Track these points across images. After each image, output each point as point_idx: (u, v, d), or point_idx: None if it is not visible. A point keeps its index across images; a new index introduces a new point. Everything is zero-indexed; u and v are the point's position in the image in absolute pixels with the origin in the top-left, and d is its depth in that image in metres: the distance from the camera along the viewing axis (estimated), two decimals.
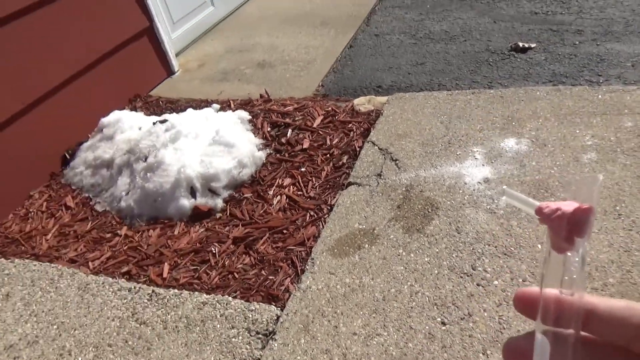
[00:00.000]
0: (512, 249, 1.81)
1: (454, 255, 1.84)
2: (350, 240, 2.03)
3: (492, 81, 2.97)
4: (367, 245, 1.98)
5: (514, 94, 2.61)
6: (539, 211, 0.35)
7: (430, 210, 2.06)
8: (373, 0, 4.59)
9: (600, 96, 2.43)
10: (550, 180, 2.03)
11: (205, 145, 2.71)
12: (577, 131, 2.24)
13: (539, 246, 1.79)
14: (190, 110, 3.09)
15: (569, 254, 0.33)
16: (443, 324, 1.63)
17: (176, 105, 3.46)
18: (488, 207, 2.00)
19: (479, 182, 2.12)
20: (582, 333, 0.32)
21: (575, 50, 3.10)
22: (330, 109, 3.02)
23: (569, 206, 0.33)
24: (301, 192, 2.43)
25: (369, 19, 4.28)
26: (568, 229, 0.33)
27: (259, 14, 4.97)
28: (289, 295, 1.89)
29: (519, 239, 1.84)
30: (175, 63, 4.08)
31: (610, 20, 3.37)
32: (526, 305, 0.34)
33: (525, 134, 2.31)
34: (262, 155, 2.71)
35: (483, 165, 2.20)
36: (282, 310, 1.83)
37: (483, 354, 1.52)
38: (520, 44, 3.22)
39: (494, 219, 1.94)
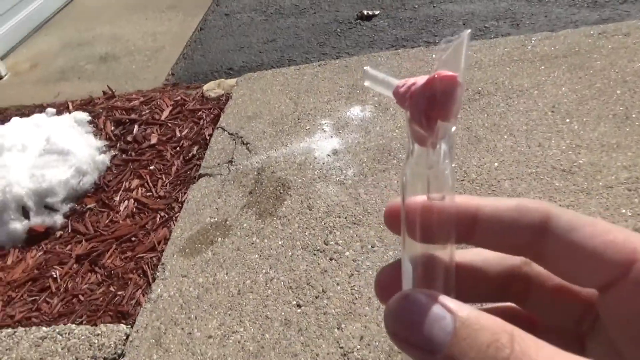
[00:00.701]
0: (361, 217, 1.81)
1: (307, 234, 1.80)
2: (202, 236, 1.90)
3: (340, 51, 2.97)
4: (220, 239, 1.87)
5: (357, 62, 2.62)
6: (395, 92, 0.26)
7: (282, 191, 1.99)
8: None
9: (434, 55, 2.52)
10: (392, 143, 2.06)
11: (36, 157, 2.39)
12: None
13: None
14: (15, 119, 2.70)
15: (431, 147, 0.24)
16: (298, 306, 1.59)
17: (3, 116, 3.03)
18: (337, 179, 1.98)
19: (328, 155, 2.10)
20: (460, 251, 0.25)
21: (415, 13, 3.20)
22: (179, 98, 2.82)
23: (423, 79, 0.24)
24: (150, 193, 2.24)
25: None
26: (425, 109, 0.23)
27: (98, 1, 4.52)
28: (140, 309, 1.73)
29: (366, 206, 1.84)
30: (1, 67, 3.57)
31: None
32: (396, 220, 0.26)
33: (369, 101, 2.33)
34: (104, 158, 2.45)
35: (331, 137, 2.18)
36: (132, 327, 1.67)
37: (338, 328, 1.50)
38: (365, 12, 3.26)
39: (343, 190, 1.93)
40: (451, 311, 0.20)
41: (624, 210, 1.62)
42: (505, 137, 1.98)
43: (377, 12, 3.26)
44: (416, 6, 3.28)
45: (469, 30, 0.23)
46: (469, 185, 1.82)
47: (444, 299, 0.21)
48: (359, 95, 2.37)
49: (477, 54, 2.48)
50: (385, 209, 0.28)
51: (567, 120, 1.99)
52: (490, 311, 0.21)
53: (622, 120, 1.94)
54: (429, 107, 0.23)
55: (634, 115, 1.94)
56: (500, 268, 0.26)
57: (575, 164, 1.81)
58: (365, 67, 0.27)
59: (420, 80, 0.24)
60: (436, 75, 0.23)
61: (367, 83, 0.27)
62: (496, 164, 1.88)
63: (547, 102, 2.10)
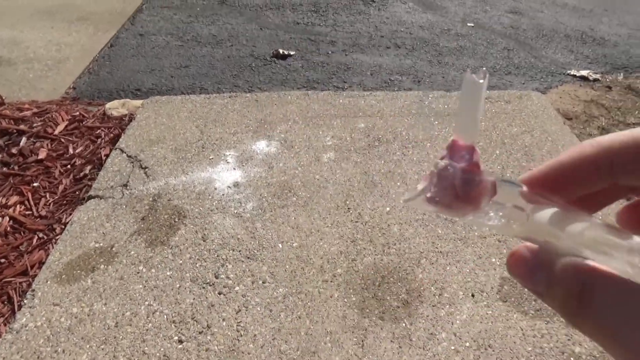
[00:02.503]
0: (255, 251, 1.81)
1: (197, 265, 1.75)
2: (83, 262, 1.77)
3: (253, 85, 3.01)
4: (102, 266, 1.75)
5: (268, 98, 2.67)
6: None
7: (177, 220, 1.93)
8: None
9: (341, 100, 2.65)
10: (294, 181, 2.11)
11: None
12: (320, 132, 2.40)
13: (280, 245, 1.83)
14: None
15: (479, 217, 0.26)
16: (180, 342, 1.52)
17: None
18: (235, 211, 1.97)
19: (229, 187, 2.08)
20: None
21: (328, 59, 3.36)
22: (78, 113, 2.66)
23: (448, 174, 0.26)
24: (30, 212, 2.06)
25: (135, 17, 3.98)
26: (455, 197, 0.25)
27: (2, 2, 4.19)
28: (0, 340, 1.55)
29: (262, 241, 1.84)
30: None
31: (358, 33, 3.76)
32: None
33: (275, 137, 2.37)
34: None
35: (234, 169, 2.18)
36: None
37: None
38: (281, 51, 3.35)
39: (240, 223, 1.92)
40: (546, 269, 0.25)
41: (493, 260, 1.78)
42: (399, 184, 2.12)
43: (292, 53, 3.38)
44: (330, 52, 3.44)
45: (485, 75, 0.25)
46: (362, 227, 1.90)
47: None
48: (266, 130, 2.41)
49: (380, 103, 2.64)
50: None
51: None
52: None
53: None
54: (458, 195, 0.26)
55: (508, 174, 2.18)
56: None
57: None
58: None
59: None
60: (463, 169, 0.26)
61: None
62: (388, 209, 1.99)
63: (438, 154, 2.28)
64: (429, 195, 0.26)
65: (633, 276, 0.24)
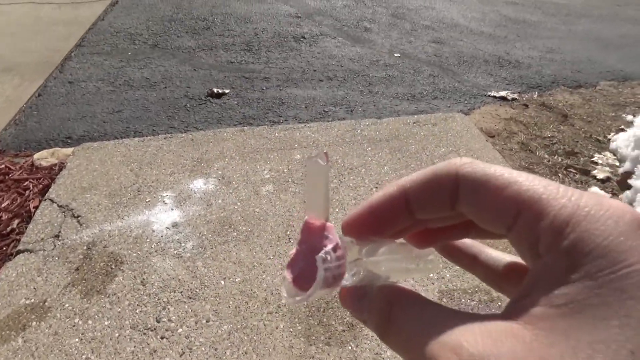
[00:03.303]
0: (197, 290, 1.78)
1: (137, 311, 1.70)
2: (12, 321, 1.67)
3: (189, 125, 3.02)
4: (35, 323, 1.67)
5: (204, 136, 2.69)
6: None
7: (113, 267, 1.88)
8: (69, 46, 4.22)
9: (277, 134, 2.71)
10: (233, 216, 2.11)
11: None
12: (258, 166, 2.43)
13: (222, 282, 1.81)
14: None
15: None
16: None
17: None
18: (175, 252, 1.94)
19: (167, 228, 2.06)
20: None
21: (263, 94, 3.43)
22: (3, 166, 2.56)
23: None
24: None
25: (64, 65, 3.90)
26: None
27: None
28: None
29: (203, 279, 1.82)
30: None
31: (291, 69, 3.87)
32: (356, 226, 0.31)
33: (212, 174, 2.38)
34: None
35: (172, 209, 2.16)
36: None
37: None
38: (216, 90, 3.39)
39: (181, 263, 1.89)
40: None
41: (431, 274, 1.85)
42: (337, 210, 2.17)
43: (227, 91, 3.42)
44: (264, 88, 3.52)
45: (321, 160, 0.27)
46: None
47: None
48: (203, 168, 2.41)
49: (315, 134, 2.72)
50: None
51: None
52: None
53: None
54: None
55: None
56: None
57: None
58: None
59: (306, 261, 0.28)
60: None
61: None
62: None
63: (372, 179, 2.37)
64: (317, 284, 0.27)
65: (417, 271, 0.31)
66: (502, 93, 3.55)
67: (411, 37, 4.62)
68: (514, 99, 3.49)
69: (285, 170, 2.40)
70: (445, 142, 2.67)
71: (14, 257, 1.95)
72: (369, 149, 2.60)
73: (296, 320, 1.68)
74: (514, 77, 3.87)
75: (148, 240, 2.00)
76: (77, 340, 1.61)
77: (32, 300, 1.75)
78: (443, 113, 3.08)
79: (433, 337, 0.22)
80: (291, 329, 1.65)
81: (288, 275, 0.28)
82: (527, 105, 3.40)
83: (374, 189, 2.29)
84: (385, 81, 3.69)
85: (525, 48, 4.51)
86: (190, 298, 1.75)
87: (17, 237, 2.07)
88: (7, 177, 2.47)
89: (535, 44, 4.63)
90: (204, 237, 2.01)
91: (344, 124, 2.85)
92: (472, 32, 4.87)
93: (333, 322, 1.68)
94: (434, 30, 4.82)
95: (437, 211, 0.28)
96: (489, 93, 3.56)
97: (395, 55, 4.20)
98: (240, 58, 4.04)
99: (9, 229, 2.13)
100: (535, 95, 3.58)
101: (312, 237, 0.28)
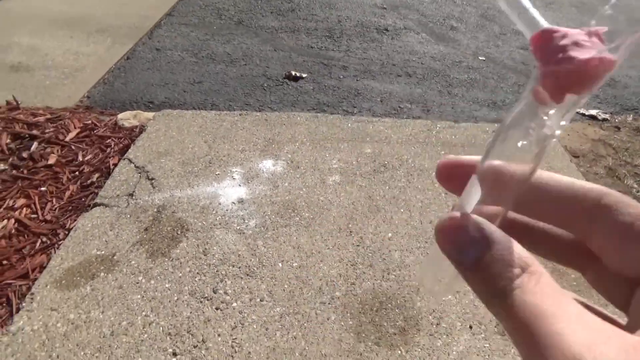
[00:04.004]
0: (255, 268, 1.81)
1: (197, 279, 1.76)
2: (83, 269, 1.78)
3: (264, 105, 3.05)
4: (103, 274, 1.76)
5: (277, 117, 2.71)
6: (535, 39, 0.22)
7: (179, 233, 1.94)
8: (160, 14, 4.39)
9: (350, 124, 2.68)
10: (298, 201, 2.12)
11: None
12: (327, 155, 2.42)
13: (280, 264, 1.83)
14: None
15: (549, 109, 0.22)
16: (174, 354, 1.52)
17: None
18: (238, 227, 1.98)
19: (233, 202, 2.10)
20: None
21: (339, 83, 3.41)
22: (90, 122, 2.71)
23: (582, 50, 0.21)
24: (36, 215, 2.08)
25: (153, 32, 4.07)
26: (567, 87, 0.21)
27: (22, 11, 4.31)
28: None
29: (262, 258, 1.85)
30: None
31: (370, 60, 3.82)
32: (451, 176, 0.27)
33: (282, 156, 2.39)
34: None
35: (240, 185, 2.19)
36: None
37: None
38: (294, 73, 3.41)
39: (242, 239, 1.92)
40: (485, 237, 0.22)
41: None
42: (402, 210, 2.12)
43: (304, 75, 3.43)
44: (341, 77, 3.50)
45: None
46: (363, 251, 1.90)
47: (484, 224, 0.23)
48: (273, 150, 2.44)
49: (388, 130, 2.67)
50: (440, 163, 0.28)
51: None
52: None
53: None
54: (573, 85, 0.21)
55: None
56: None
57: None
58: None
59: (578, 39, 0.21)
60: (598, 58, 0.21)
61: (503, 4, 0.24)
62: (390, 235, 1.99)
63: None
64: (552, 45, 0.22)
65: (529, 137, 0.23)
66: (593, 112, 3.31)
67: (499, 41, 4.41)
68: (604, 120, 3.25)
69: (354, 163, 2.37)
70: None
71: (91, 208, 2.06)
72: (443, 152, 2.52)
73: (348, 315, 1.66)
74: (607, 96, 3.60)
75: (214, 212, 2.05)
76: (139, 297, 1.68)
77: (103, 252, 1.84)
78: None
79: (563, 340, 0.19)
80: (342, 323, 1.64)
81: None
82: (619, 128, 3.16)
83: (444, 195, 2.21)
84: (466, 84, 3.56)
85: (623, 66, 4.17)
86: (247, 275, 1.78)
87: (96, 191, 2.19)
88: (92, 133, 2.61)
89: (636, 63, 4.28)
90: (267, 217, 2.04)
91: (419, 123, 2.78)
92: None
93: (385, 324, 1.64)
94: (524, 37, 4.57)
95: (570, 221, 0.25)
96: (578, 110, 3.33)
97: (480, 58, 4.02)
98: (320, 44, 4.03)
99: (89, 181, 2.26)
100: (630, 119, 3.32)
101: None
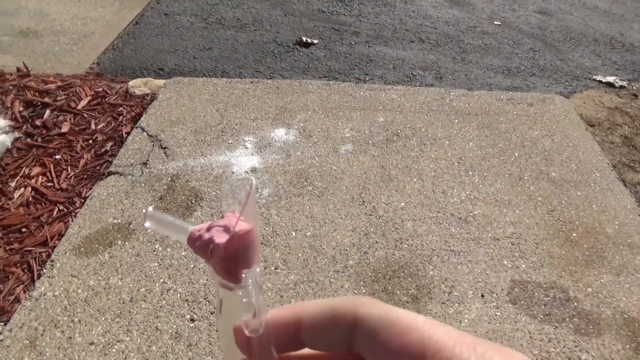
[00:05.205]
0: (269, 237, 1.83)
1: None
2: (101, 236, 1.81)
3: (275, 72, 3.02)
4: (120, 242, 1.79)
5: (289, 85, 2.68)
6: (191, 241, 0.26)
7: (194, 202, 1.96)
8: None
9: (362, 93, 2.65)
10: (310, 170, 2.12)
11: None
12: (340, 124, 2.40)
13: (294, 233, 1.85)
14: None
15: (238, 291, 0.26)
16: (192, 320, 1.56)
17: None
18: None
19: (246, 172, 2.11)
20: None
21: (351, 49, 3.35)
22: (101, 89, 2.70)
23: (222, 235, 0.25)
24: (52, 184, 2.11)
25: None
26: (230, 267, 0.25)
27: None
28: (19, 307, 1.60)
29: (276, 227, 1.87)
30: None
31: (382, 25, 3.73)
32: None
33: (294, 125, 2.38)
34: (5, 139, 2.27)
35: (252, 154, 2.20)
36: (5, 325, 1.54)
37: None
38: (304, 39, 3.35)
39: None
40: None
41: (505, 262, 1.79)
42: (415, 180, 2.12)
43: (315, 41, 3.37)
44: (353, 43, 3.43)
45: (254, 181, 0.27)
46: (376, 221, 1.91)
47: None
48: (285, 118, 2.42)
49: (401, 98, 2.64)
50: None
51: (470, 173, 2.17)
52: None
53: (515, 180, 2.15)
54: (233, 263, 0.25)
55: (525, 177, 2.17)
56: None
57: (471, 214, 1.97)
58: (146, 209, 0.27)
59: (216, 233, 0.25)
60: (234, 234, 0.25)
61: (148, 224, 0.27)
62: (402, 204, 1.99)
63: (456, 153, 2.28)
64: (199, 243, 0.26)
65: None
66: (610, 79, 3.24)
67: (515, 5, 4.28)
68: (622, 87, 3.18)
69: (366, 132, 2.36)
70: (539, 125, 2.50)
71: (106, 177, 2.08)
72: (456, 121, 2.49)
73: (361, 283, 1.69)
74: (626, 62, 3.50)
75: (227, 181, 2.06)
76: (156, 264, 1.72)
77: (119, 221, 1.87)
78: (540, 93, 2.87)
79: None
80: (355, 291, 1.67)
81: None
82: (636, 96, 3.09)
83: (457, 164, 2.20)
84: (480, 50, 3.48)
85: None
86: (261, 243, 1.81)
87: (110, 159, 2.21)
88: (103, 101, 2.61)
89: None
90: (280, 186, 2.05)
91: (432, 91, 2.74)
92: (584, 5, 4.43)
93: (398, 292, 1.67)
94: (542, 0, 4.43)
95: (331, 348, 0.27)
96: (595, 77, 3.26)
97: (495, 23, 3.92)
98: (332, 8, 3.94)
99: (103, 150, 2.27)
100: None
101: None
